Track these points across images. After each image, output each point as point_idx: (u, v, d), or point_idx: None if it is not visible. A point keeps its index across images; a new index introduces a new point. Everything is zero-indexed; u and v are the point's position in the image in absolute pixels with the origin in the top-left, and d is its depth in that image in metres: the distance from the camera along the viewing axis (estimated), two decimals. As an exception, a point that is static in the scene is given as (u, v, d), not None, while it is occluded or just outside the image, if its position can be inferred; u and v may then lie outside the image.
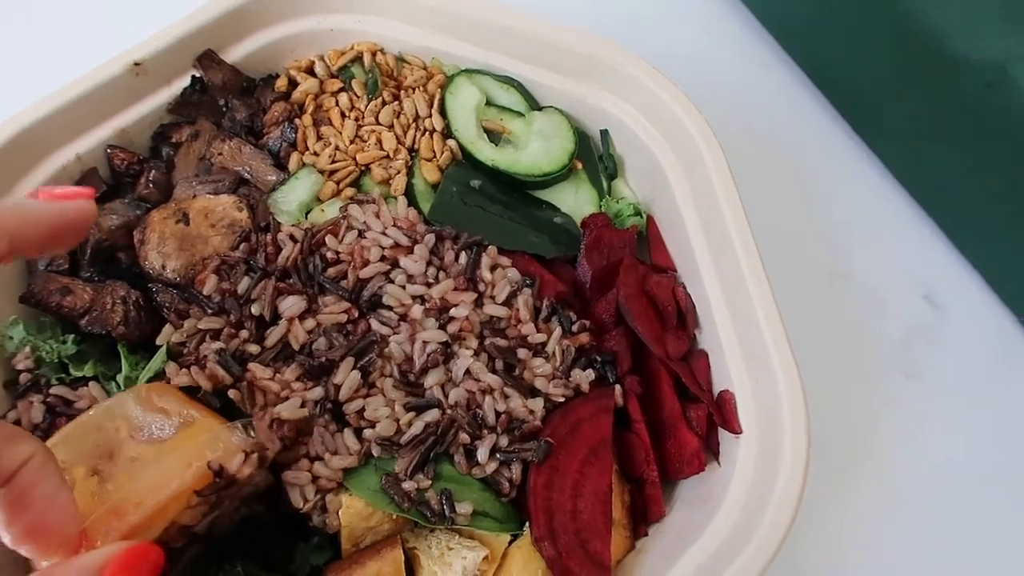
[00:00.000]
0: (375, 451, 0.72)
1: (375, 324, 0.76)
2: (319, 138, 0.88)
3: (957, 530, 0.93)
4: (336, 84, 0.93)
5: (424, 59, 0.97)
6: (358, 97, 0.91)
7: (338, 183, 0.85)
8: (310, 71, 0.94)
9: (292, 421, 0.71)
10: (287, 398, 0.73)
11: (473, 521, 0.72)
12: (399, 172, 0.86)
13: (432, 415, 0.74)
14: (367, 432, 0.73)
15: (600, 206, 0.92)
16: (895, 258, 1.11)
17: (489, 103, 0.94)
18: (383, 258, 0.79)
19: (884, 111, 1.15)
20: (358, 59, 0.94)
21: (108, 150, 0.88)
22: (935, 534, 0.93)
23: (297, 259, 0.79)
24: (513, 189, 0.90)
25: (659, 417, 0.80)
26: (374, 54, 0.94)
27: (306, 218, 0.84)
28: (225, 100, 0.92)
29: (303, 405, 0.72)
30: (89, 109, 0.85)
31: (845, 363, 1.03)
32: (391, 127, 0.89)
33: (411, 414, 0.74)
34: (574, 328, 0.81)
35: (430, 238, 0.81)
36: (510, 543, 0.73)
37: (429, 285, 0.79)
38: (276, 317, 0.77)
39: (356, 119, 0.89)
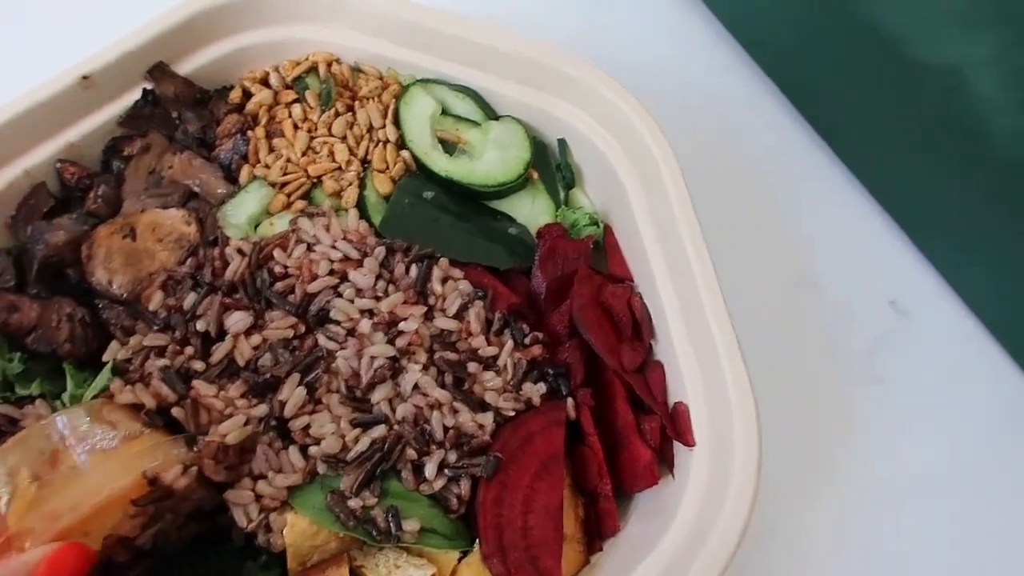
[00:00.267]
0: (321, 468, 0.72)
1: (322, 339, 0.76)
2: (271, 150, 0.88)
3: (925, 536, 0.92)
4: (290, 95, 0.92)
5: (381, 68, 0.96)
6: (311, 108, 0.90)
7: (289, 196, 0.85)
8: (265, 82, 0.93)
9: (236, 445, 0.70)
10: (231, 416, 0.72)
11: (421, 538, 0.71)
12: (351, 184, 0.85)
13: (379, 431, 0.73)
14: (312, 449, 0.72)
15: (556, 216, 0.91)
16: (861, 265, 1.10)
17: (445, 113, 0.93)
18: (332, 272, 0.78)
19: (850, 117, 1.14)
20: (313, 69, 0.93)
21: (58, 164, 0.87)
22: (902, 540, 0.92)
23: (244, 274, 0.78)
24: (468, 200, 0.90)
25: (613, 430, 0.79)
26: (329, 64, 0.93)
27: (255, 232, 0.83)
28: (178, 112, 0.91)
29: (247, 423, 0.71)
30: (36, 124, 0.84)
31: (812, 371, 1.02)
32: (344, 138, 0.88)
33: (357, 430, 0.73)
34: (526, 340, 0.80)
35: (380, 251, 0.80)
36: (460, 560, 0.72)
37: (378, 299, 0.78)
38: (222, 333, 0.76)
39: (309, 130, 0.89)
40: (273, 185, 0.85)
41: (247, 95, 0.92)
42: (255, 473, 0.71)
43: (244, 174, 0.86)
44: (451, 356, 0.77)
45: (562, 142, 0.95)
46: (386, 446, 0.72)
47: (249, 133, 0.89)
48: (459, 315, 0.79)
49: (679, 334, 0.81)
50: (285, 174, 0.86)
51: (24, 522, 0.62)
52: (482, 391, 0.77)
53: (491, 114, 0.95)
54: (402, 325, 0.77)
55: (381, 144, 0.89)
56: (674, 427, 0.78)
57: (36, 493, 0.65)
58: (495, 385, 0.77)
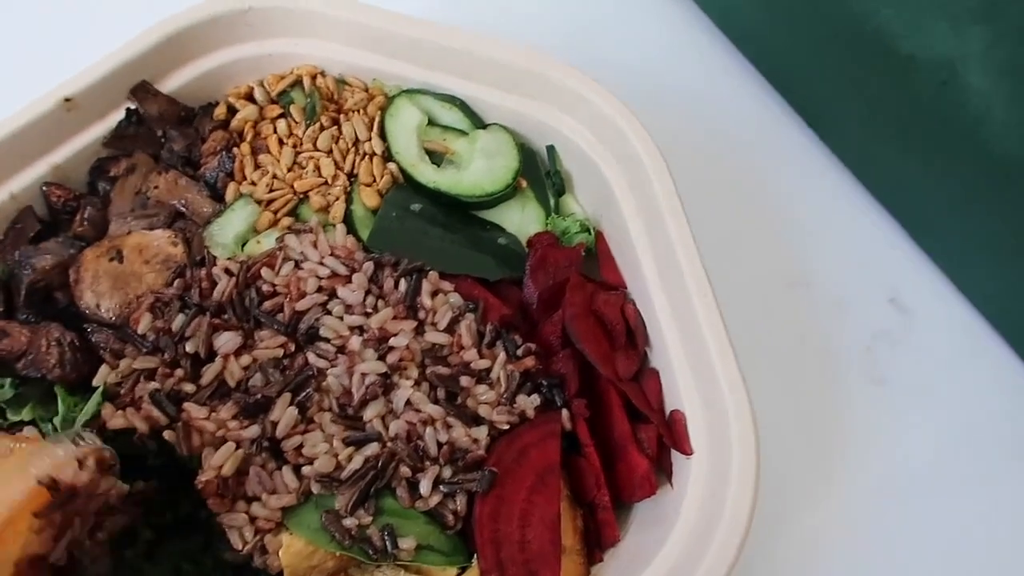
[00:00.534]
0: (315, 488, 0.71)
1: (312, 357, 0.75)
2: (257, 167, 0.87)
3: (926, 534, 0.92)
4: (276, 110, 0.91)
5: (366, 80, 0.95)
6: (297, 123, 0.89)
7: (275, 213, 0.84)
8: (249, 97, 0.92)
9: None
10: (223, 438, 0.71)
11: (418, 556, 0.71)
12: (337, 199, 0.84)
13: (372, 449, 0.72)
14: (306, 469, 0.71)
15: (547, 224, 0.90)
16: (859, 262, 1.09)
17: (432, 123, 0.92)
18: (320, 289, 0.78)
19: (844, 113, 1.13)
20: (298, 83, 0.92)
21: (44, 188, 0.86)
22: (903, 539, 0.91)
23: (232, 293, 0.77)
24: (457, 211, 0.89)
25: (609, 440, 0.79)
26: (314, 77, 0.92)
27: (242, 250, 0.83)
28: (163, 131, 0.90)
29: (239, 447, 0.71)
30: (20, 148, 0.84)
31: (810, 370, 1.01)
32: (330, 152, 0.87)
33: (350, 449, 0.72)
34: (519, 352, 0.79)
35: (368, 266, 0.79)
36: (457, 576, 0.72)
37: (368, 315, 0.77)
38: (212, 354, 0.75)
39: (294, 146, 0.88)
40: (259, 202, 0.84)
41: (232, 111, 0.92)
42: (249, 495, 0.71)
43: (230, 192, 0.85)
44: (443, 370, 0.76)
45: (551, 148, 0.94)
46: (380, 464, 0.71)
47: (235, 150, 0.88)
48: (450, 329, 0.78)
49: (673, 341, 0.80)
50: (271, 191, 0.85)
51: None
52: (475, 405, 0.76)
53: (478, 123, 0.94)
54: (393, 341, 0.76)
55: (367, 157, 0.88)
56: (671, 435, 0.77)
57: None
58: (488, 398, 0.76)
